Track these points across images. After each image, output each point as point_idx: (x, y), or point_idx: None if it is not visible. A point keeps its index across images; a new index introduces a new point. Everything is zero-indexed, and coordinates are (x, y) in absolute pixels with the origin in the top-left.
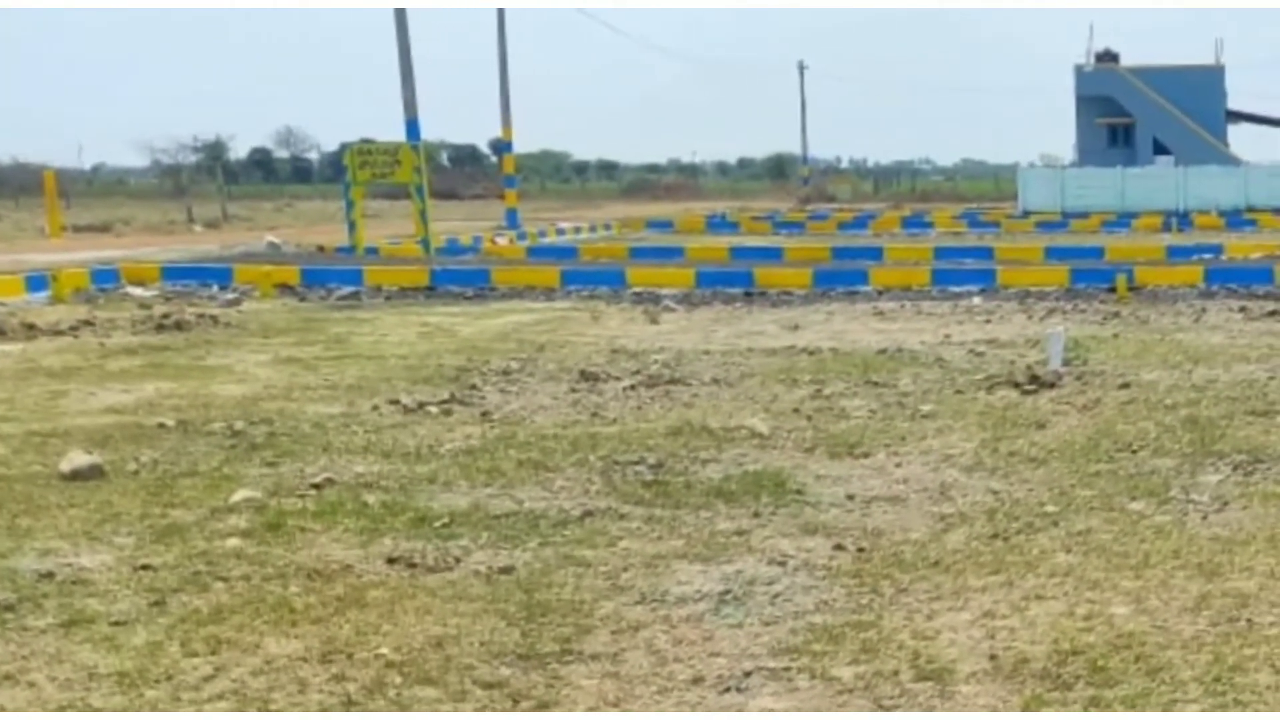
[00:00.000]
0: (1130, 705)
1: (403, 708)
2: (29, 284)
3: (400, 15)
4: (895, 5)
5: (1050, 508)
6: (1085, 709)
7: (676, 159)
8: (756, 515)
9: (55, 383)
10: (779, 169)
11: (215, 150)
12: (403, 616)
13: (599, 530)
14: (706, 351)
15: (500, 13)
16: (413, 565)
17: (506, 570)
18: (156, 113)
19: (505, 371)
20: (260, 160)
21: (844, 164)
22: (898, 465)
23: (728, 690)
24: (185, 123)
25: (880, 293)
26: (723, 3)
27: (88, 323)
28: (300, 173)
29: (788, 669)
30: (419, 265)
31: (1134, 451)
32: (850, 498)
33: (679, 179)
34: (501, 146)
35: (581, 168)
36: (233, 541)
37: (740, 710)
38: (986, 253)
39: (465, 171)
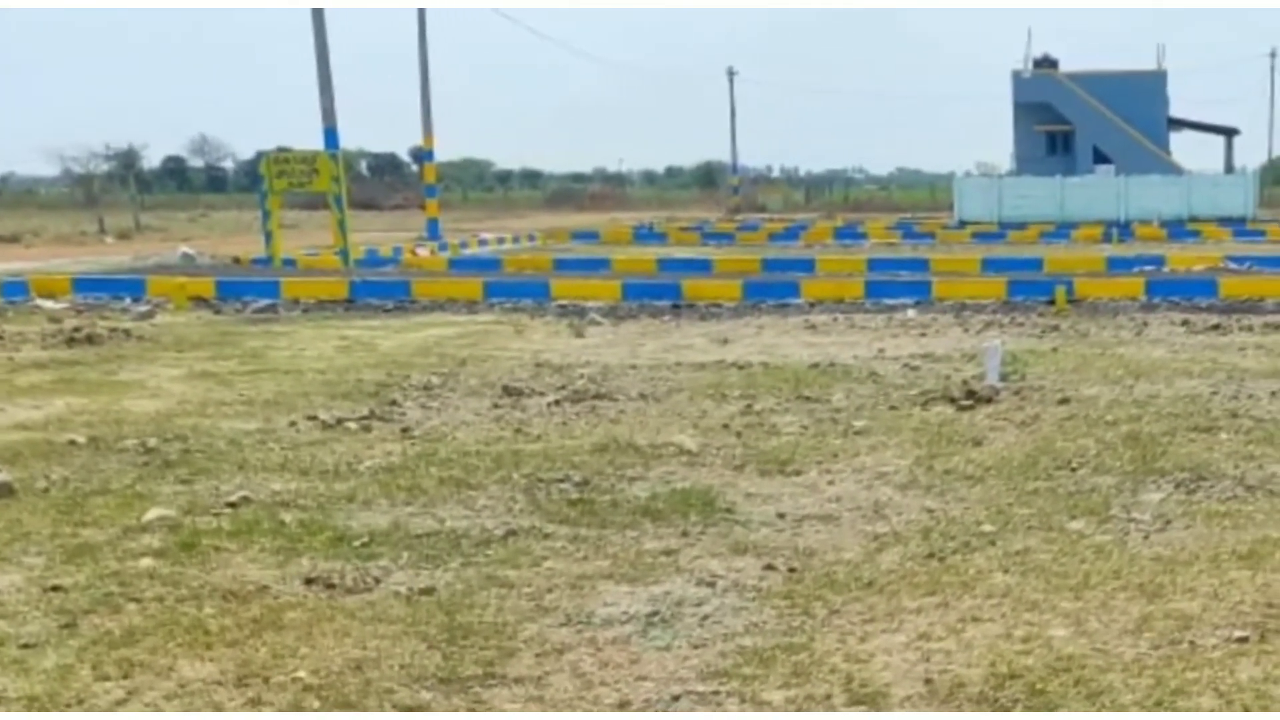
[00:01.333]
0: None
1: None
2: None
3: (318, 18)
4: (828, 5)
5: (987, 527)
6: None
7: (603, 168)
8: (685, 534)
9: None
10: (708, 178)
11: (128, 159)
12: (320, 639)
13: (523, 550)
14: (633, 366)
15: (421, 14)
16: (331, 586)
17: (427, 591)
18: (67, 120)
19: (426, 386)
20: (174, 169)
21: (775, 173)
22: (830, 483)
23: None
24: (97, 130)
25: (812, 305)
26: (650, 3)
27: None
28: (215, 182)
29: (716, 693)
30: (337, 277)
31: (1073, 469)
32: (781, 516)
33: (605, 188)
34: (422, 155)
35: (505, 177)
36: (146, 561)
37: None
38: (922, 264)
39: (385, 181)
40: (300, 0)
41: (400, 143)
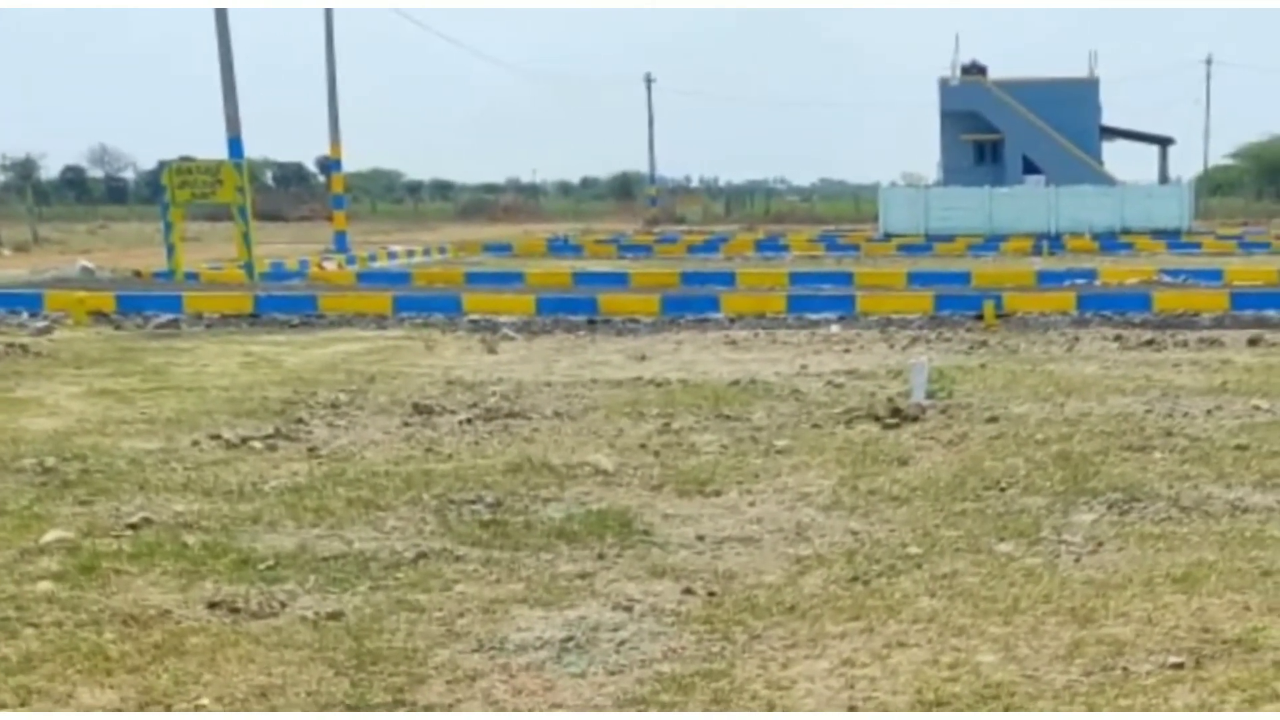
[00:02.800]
0: None
1: None
2: None
3: (221, 20)
4: (749, 9)
5: (913, 549)
6: None
7: (516, 178)
8: (601, 557)
9: None
10: (625, 189)
11: (25, 169)
12: (224, 665)
13: (433, 573)
14: (548, 383)
15: (328, 14)
16: (235, 610)
17: (335, 616)
18: None
19: (334, 404)
20: (73, 179)
21: (694, 183)
22: (751, 504)
23: None
24: None
25: (732, 320)
26: (565, 3)
27: None
28: (116, 193)
29: None
30: (242, 291)
31: (1002, 489)
32: (700, 539)
33: (518, 199)
34: (330, 165)
35: (415, 187)
36: (44, 585)
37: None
38: (845, 278)
39: (291, 191)
40: (204, 1)
41: (307, 152)
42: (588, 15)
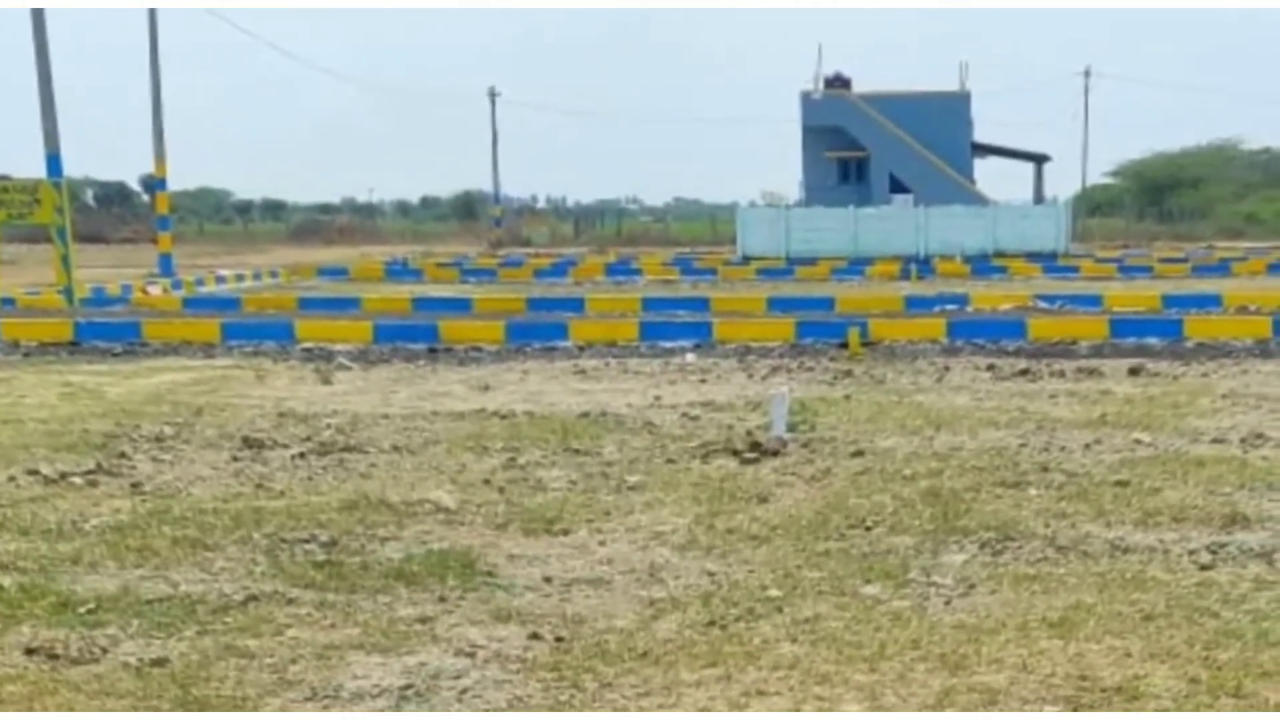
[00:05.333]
0: None
1: None
2: None
3: (39, 25)
4: (599, 20)
5: (774, 591)
6: None
7: (352, 197)
8: (442, 600)
9: None
10: (468, 209)
11: None
12: (43, 714)
13: (264, 617)
14: (385, 415)
15: (152, 14)
16: (54, 656)
17: (160, 662)
18: None
19: (158, 438)
20: None
21: (541, 203)
22: (601, 544)
23: None
24: None
25: (581, 349)
26: (404, 2)
27: None
28: None
29: None
30: (61, 318)
31: (868, 528)
32: (548, 580)
33: (354, 220)
34: (154, 184)
35: (245, 207)
36: None
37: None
38: (701, 304)
39: (113, 212)
40: (20, 1)
41: (130, 170)
42: (428, 24)
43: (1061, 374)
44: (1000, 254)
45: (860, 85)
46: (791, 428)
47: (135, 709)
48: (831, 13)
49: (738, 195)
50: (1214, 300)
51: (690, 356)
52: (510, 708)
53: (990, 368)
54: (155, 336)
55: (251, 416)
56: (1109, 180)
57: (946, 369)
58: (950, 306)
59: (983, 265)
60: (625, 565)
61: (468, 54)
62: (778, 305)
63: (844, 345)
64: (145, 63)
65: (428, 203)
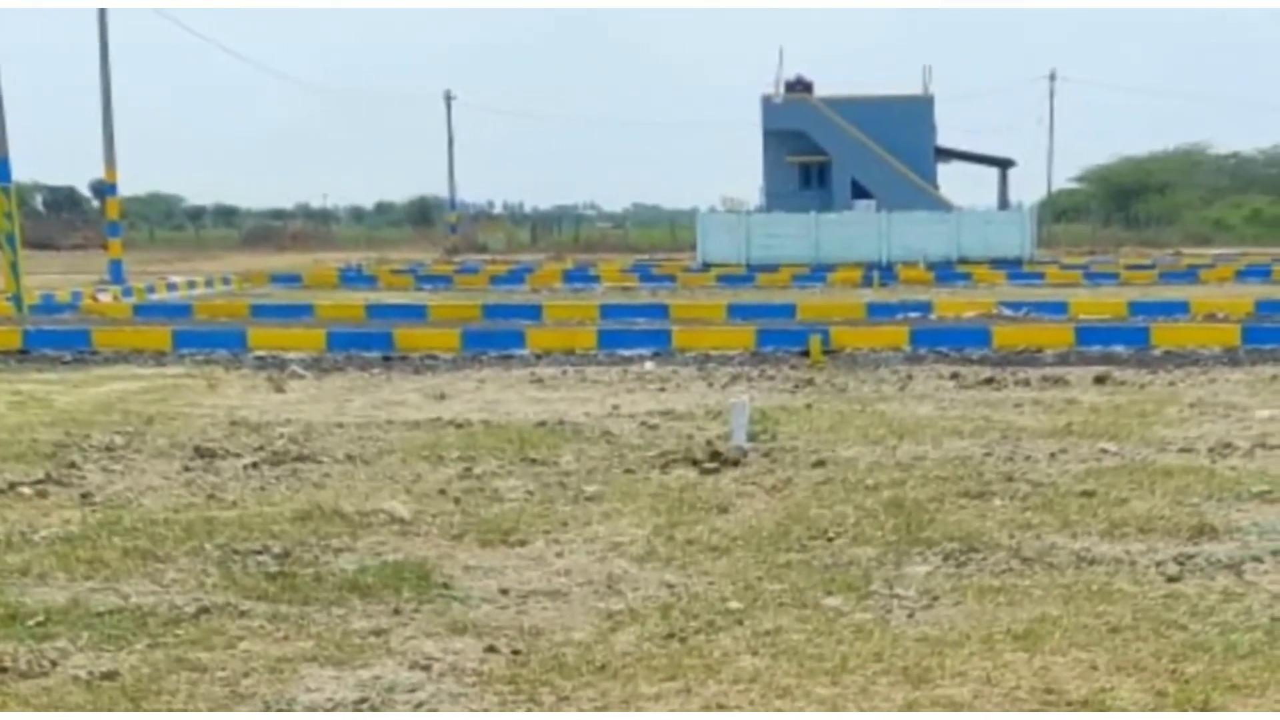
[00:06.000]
0: None
1: None
2: None
3: None
4: (557, 21)
5: (734, 604)
6: None
7: (305, 203)
8: (397, 612)
9: None
10: (423, 215)
11: None
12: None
13: (216, 629)
14: (339, 424)
15: (102, 14)
16: (2, 669)
17: (110, 675)
18: None
19: (109, 447)
20: None
21: (498, 209)
22: (559, 555)
23: None
24: None
25: (539, 357)
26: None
27: None
28: None
29: None
30: (9, 325)
31: (830, 539)
32: (504, 592)
33: (308, 226)
34: (104, 189)
35: (196, 213)
36: None
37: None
38: (661, 311)
39: (63, 218)
40: None
41: (80, 176)
42: (383, 27)
43: (1026, 382)
44: (964, 260)
45: (822, 89)
46: (752, 437)
47: None
48: (793, 13)
49: (698, 201)
50: (1181, 307)
51: (649, 365)
52: None
53: (954, 376)
54: (106, 344)
55: (203, 425)
56: (1075, 186)
57: (909, 377)
58: (913, 314)
59: (946, 272)
60: (583, 577)
61: (423, 57)
62: (738, 312)
63: (805, 353)
64: (95, 65)
65: (383, 208)
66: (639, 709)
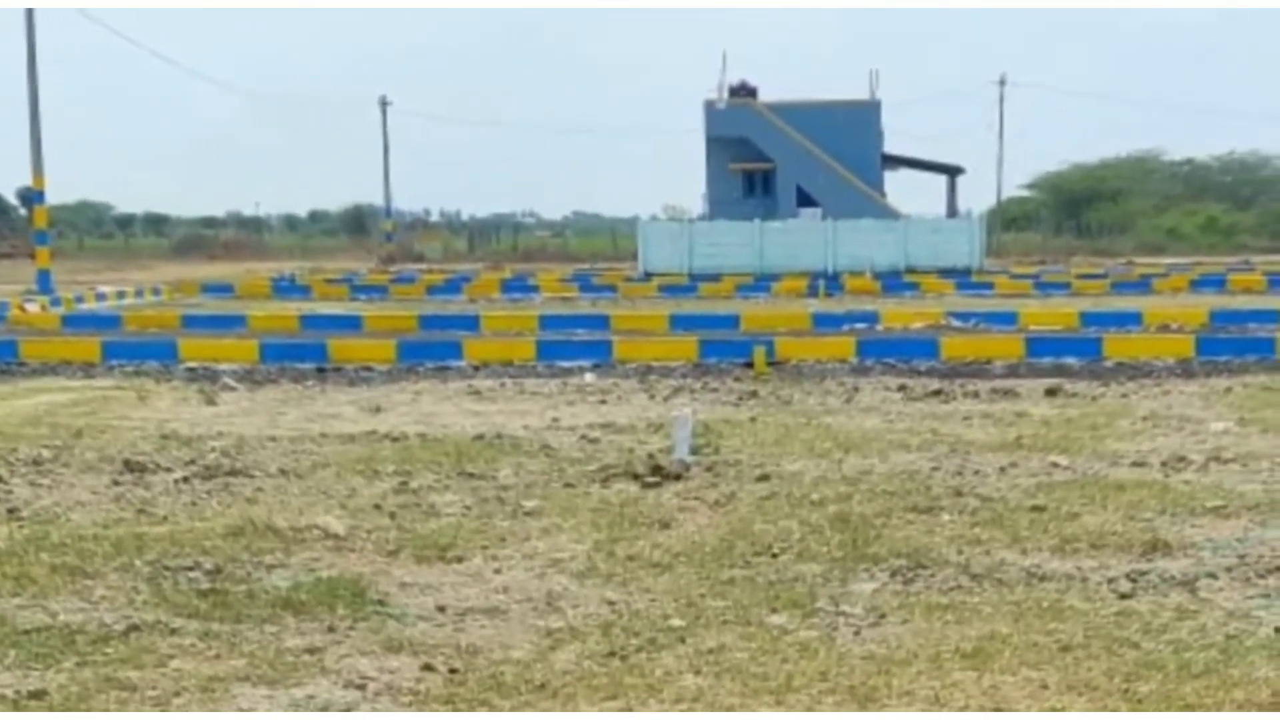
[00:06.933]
0: None
1: None
2: None
3: None
4: (492, 22)
5: (676, 621)
6: None
7: (237, 211)
8: (331, 630)
9: None
10: (358, 223)
11: None
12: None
13: (146, 647)
14: (272, 437)
15: (29, 14)
16: None
17: (38, 694)
18: None
19: (36, 461)
20: None
21: (434, 217)
22: (497, 571)
23: None
24: None
25: (476, 368)
26: (286, 5)
27: None
28: None
29: None
30: None
31: (774, 555)
32: (441, 609)
33: (240, 235)
34: (32, 196)
35: (126, 221)
36: None
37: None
38: (601, 321)
39: None
40: None
41: (6, 183)
42: (315, 31)
43: (975, 395)
44: (912, 270)
45: (767, 94)
46: (695, 451)
47: None
48: (736, 14)
49: (639, 209)
50: (1134, 318)
51: (589, 376)
52: None
53: (901, 388)
54: (33, 356)
55: (133, 439)
56: (1025, 193)
57: (856, 390)
58: (860, 325)
59: (894, 282)
60: (522, 594)
61: (358, 61)
62: (680, 323)
63: (749, 365)
64: (20, 69)
65: (316, 217)
66: None
